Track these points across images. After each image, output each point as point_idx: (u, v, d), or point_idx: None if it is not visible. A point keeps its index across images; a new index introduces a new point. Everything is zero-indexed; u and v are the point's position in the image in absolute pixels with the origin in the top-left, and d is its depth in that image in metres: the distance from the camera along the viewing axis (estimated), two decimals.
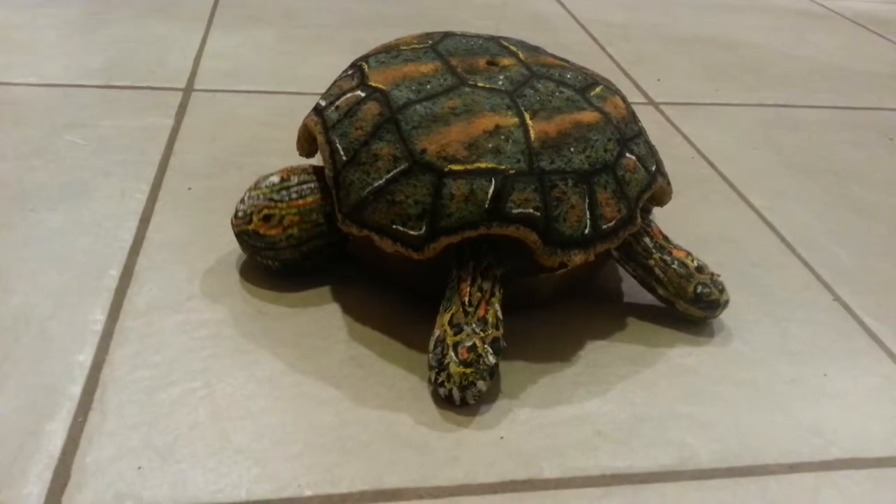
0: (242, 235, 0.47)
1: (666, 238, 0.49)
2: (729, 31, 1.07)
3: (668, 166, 0.68)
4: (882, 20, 1.21)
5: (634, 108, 0.50)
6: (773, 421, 0.42)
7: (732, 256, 0.57)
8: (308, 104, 0.72)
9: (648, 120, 0.78)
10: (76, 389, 0.39)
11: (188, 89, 0.72)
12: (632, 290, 0.51)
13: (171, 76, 0.74)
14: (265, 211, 0.46)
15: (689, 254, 0.48)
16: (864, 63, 1.00)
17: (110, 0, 0.92)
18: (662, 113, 0.79)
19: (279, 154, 0.63)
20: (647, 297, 0.50)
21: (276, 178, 0.47)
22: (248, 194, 0.47)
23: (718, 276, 0.48)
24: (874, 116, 0.84)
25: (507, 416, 0.41)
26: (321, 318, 0.46)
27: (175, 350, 0.42)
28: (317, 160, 0.58)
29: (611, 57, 0.93)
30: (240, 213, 0.47)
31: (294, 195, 0.47)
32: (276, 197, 0.46)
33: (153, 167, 0.59)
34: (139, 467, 0.35)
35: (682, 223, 0.60)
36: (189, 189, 0.57)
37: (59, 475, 0.35)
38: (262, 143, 0.65)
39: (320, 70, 0.80)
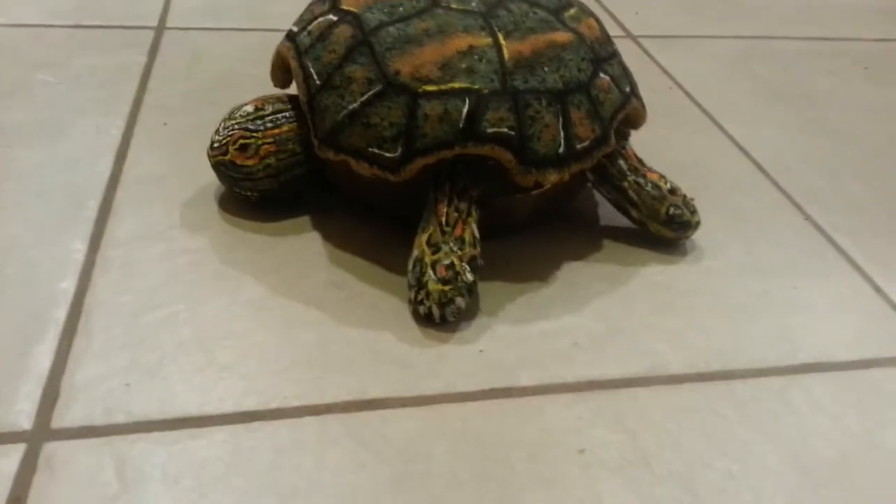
0: (219, 166, 0.47)
1: (640, 161, 0.49)
2: None
3: (646, 97, 0.68)
4: None
5: (613, 41, 0.50)
6: (743, 330, 0.44)
7: (706, 181, 0.58)
8: None
9: (626, 53, 0.77)
10: (61, 314, 0.40)
11: (160, 27, 0.71)
12: (607, 213, 0.52)
13: (142, 15, 0.73)
14: (241, 141, 0.46)
15: (662, 176, 0.49)
16: None
17: None
18: (640, 45, 0.79)
19: (254, 90, 0.62)
20: (621, 220, 0.51)
21: (250, 108, 0.47)
22: (222, 124, 0.47)
23: (691, 198, 0.49)
24: (849, 46, 0.85)
25: (486, 332, 0.42)
26: (301, 245, 0.47)
27: (157, 277, 0.43)
28: (291, 90, 0.58)
29: None
30: (215, 144, 0.47)
31: (269, 124, 0.47)
32: (251, 126, 0.47)
33: (127, 104, 0.59)
34: (127, 384, 0.36)
35: (657, 150, 0.61)
36: (164, 125, 0.57)
37: (48, 393, 0.35)
38: (237, 80, 0.64)
39: (294, 7, 0.78)
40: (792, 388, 0.40)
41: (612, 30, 0.82)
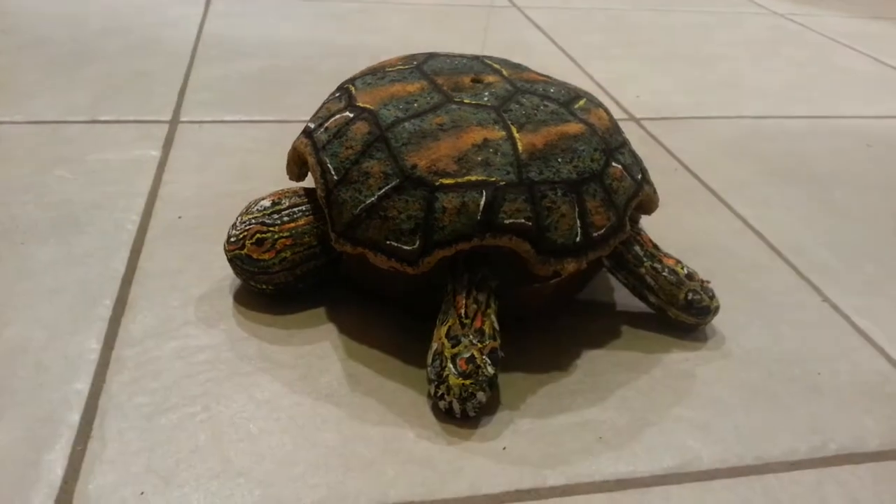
0: (235, 260, 0.47)
1: (656, 246, 0.49)
2: (703, 48, 1.10)
3: (654, 178, 0.69)
4: (850, 33, 1.24)
5: (622, 130, 0.51)
6: (772, 420, 0.43)
7: (721, 263, 0.57)
8: (294, 131, 0.73)
9: (631, 135, 0.79)
10: (75, 418, 0.39)
11: (174, 121, 0.73)
12: (624, 298, 0.52)
13: (156, 109, 0.75)
14: (257, 235, 0.46)
15: (678, 261, 0.49)
16: (837, 74, 1.03)
17: (92, 40, 0.93)
18: (644, 128, 0.81)
19: (268, 181, 0.63)
20: (639, 305, 0.51)
21: (267, 202, 0.48)
22: (239, 219, 0.47)
23: (708, 282, 0.49)
24: (850, 124, 0.86)
25: (508, 427, 0.41)
26: (317, 338, 0.46)
27: (173, 376, 0.42)
28: (307, 183, 0.59)
29: (590, 76, 0.94)
30: (232, 238, 0.47)
31: (286, 218, 0.47)
32: (267, 220, 0.47)
33: (142, 198, 0.59)
34: (142, 493, 0.35)
35: (670, 232, 0.61)
36: (179, 218, 0.57)
37: (61, 503, 0.34)
38: (251, 171, 0.65)
39: (305, 98, 0.81)
40: (827, 481, 0.39)
41: (616, 113, 0.84)
